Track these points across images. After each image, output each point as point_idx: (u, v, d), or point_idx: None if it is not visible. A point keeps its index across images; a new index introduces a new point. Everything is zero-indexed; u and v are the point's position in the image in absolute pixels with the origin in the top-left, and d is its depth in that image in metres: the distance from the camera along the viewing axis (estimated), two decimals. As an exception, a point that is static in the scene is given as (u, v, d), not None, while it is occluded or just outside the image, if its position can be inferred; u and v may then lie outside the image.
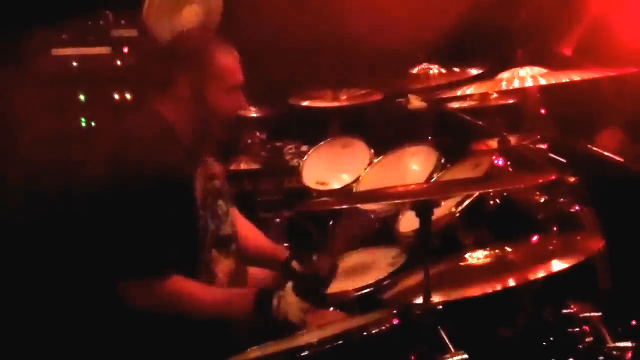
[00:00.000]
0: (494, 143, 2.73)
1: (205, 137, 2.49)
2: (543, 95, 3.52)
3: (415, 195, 1.89)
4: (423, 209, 1.76)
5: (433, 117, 3.41)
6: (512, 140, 2.72)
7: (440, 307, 1.87)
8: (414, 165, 3.30)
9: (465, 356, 1.76)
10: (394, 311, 1.92)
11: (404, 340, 1.89)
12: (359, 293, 2.72)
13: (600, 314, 2.59)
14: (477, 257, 2.34)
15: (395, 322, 1.90)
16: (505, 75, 2.45)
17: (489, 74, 2.51)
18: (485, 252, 2.34)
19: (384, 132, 3.67)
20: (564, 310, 2.58)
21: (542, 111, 2.87)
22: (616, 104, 3.53)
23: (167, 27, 3.41)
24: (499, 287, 2.12)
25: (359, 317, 2.41)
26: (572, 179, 2.90)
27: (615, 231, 2.81)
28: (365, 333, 1.97)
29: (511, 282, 2.13)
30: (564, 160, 3.06)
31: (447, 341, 1.81)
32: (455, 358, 1.74)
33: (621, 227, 2.88)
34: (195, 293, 2.33)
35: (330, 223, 3.45)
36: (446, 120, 3.43)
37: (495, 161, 2.70)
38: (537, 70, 2.40)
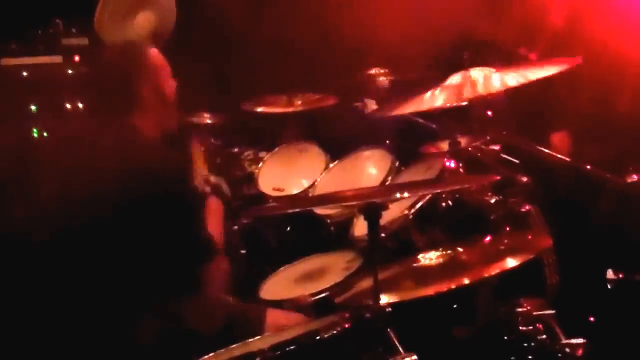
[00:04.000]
0: (445, 145, 2.75)
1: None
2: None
3: (361, 199, 1.89)
4: (371, 212, 1.76)
5: (388, 120, 3.42)
6: (463, 142, 2.73)
7: (390, 309, 1.86)
8: (370, 168, 3.31)
9: (415, 357, 1.76)
10: (346, 315, 1.91)
11: (356, 344, 1.88)
12: (315, 298, 2.72)
13: (553, 311, 2.63)
14: (429, 258, 2.36)
15: (346, 325, 1.88)
16: (455, 78, 2.46)
17: (440, 78, 2.52)
18: (437, 253, 2.35)
19: (339, 137, 3.66)
20: (518, 309, 2.61)
21: (489, 113, 2.89)
22: (569, 106, 3.59)
23: (120, 34, 3.39)
24: (451, 286, 2.15)
25: (316, 321, 2.40)
26: (524, 179, 2.94)
27: (565, 229, 2.86)
28: (317, 337, 1.95)
29: (463, 281, 2.16)
30: (517, 161, 3.10)
31: (397, 343, 1.80)
32: (407, 360, 1.73)
33: (570, 225, 2.93)
34: None
35: (288, 229, 3.48)
36: (401, 124, 3.43)
37: (447, 163, 2.72)
38: (487, 71, 2.42)
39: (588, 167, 2.78)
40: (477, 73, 2.45)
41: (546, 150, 2.96)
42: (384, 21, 3.62)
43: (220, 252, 2.62)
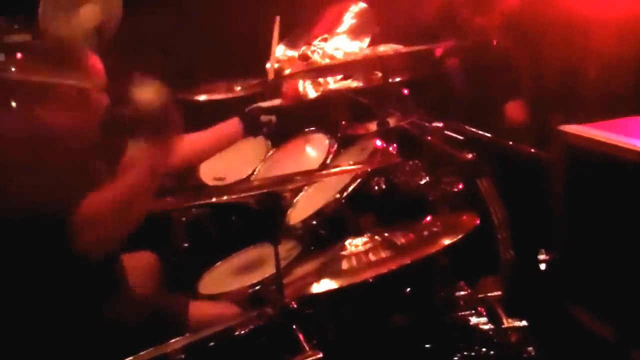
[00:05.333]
0: (373, 126, 2.65)
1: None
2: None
3: (256, 189, 1.79)
4: (269, 202, 1.66)
5: (328, 103, 3.31)
6: (392, 121, 2.64)
7: (295, 305, 1.76)
8: (310, 152, 3.21)
9: (320, 356, 1.66)
10: (255, 313, 1.81)
11: (267, 342, 1.79)
12: (252, 290, 2.63)
13: (498, 293, 2.55)
14: (356, 244, 2.26)
15: (258, 323, 1.79)
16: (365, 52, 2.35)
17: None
18: (365, 239, 2.25)
19: (281, 122, 3.55)
20: (459, 293, 2.53)
21: (405, 91, 2.80)
22: (526, 78, 3.52)
23: (64, 27, 3.30)
24: (382, 271, 2.06)
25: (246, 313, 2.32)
26: (469, 156, 2.86)
27: (515, 203, 2.78)
28: (232, 334, 1.86)
29: (390, 267, 2.06)
30: (461, 138, 3.01)
31: (303, 341, 1.70)
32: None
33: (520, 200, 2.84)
34: None
35: (233, 219, 3.38)
36: (340, 105, 3.33)
37: (377, 143, 2.62)
38: (395, 47, 2.31)
39: (510, 143, 2.70)
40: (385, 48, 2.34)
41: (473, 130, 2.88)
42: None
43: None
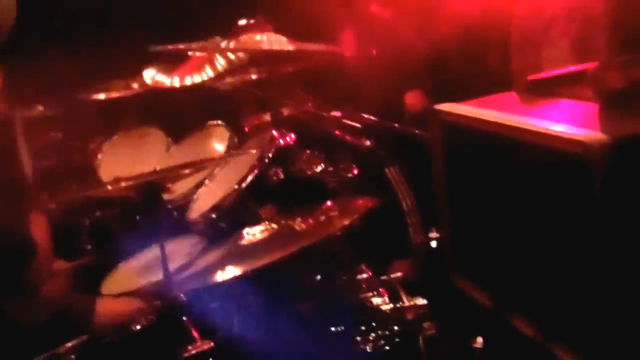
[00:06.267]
0: (267, 116, 2.66)
1: None
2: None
3: (138, 179, 1.77)
4: (149, 192, 1.65)
5: (225, 97, 3.30)
6: (285, 111, 2.65)
7: (184, 297, 1.76)
8: (210, 147, 3.19)
9: (211, 345, 1.66)
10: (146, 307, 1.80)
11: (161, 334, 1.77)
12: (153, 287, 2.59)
13: (399, 274, 2.59)
14: (254, 233, 2.26)
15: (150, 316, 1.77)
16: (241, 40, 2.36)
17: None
18: (262, 227, 2.26)
19: (181, 117, 3.52)
20: (361, 276, 2.56)
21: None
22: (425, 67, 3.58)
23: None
24: (280, 256, 2.08)
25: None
26: (367, 143, 2.90)
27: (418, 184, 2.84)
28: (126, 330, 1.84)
29: (286, 252, 2.08)
30: (359, 126, 3.05)
31: (193, 331, 1.70)
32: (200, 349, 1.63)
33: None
34: None
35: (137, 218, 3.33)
36: (239, 98, 3.33)
37: (273, 133, 2.63)
38: (274, 37, 2.33)
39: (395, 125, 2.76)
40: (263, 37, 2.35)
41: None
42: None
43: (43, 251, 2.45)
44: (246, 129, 3.19)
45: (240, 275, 2.02)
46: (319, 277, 2.50)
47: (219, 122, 3.26)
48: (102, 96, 3.62)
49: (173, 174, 1.96)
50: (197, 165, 2.24)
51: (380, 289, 2.51)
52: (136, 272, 2.87)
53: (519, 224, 1.83)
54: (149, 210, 1.71)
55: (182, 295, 1.76)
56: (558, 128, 1.67)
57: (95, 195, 2.73)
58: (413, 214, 2.77)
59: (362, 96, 3.55)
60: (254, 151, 2.28)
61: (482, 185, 1.93)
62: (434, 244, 2.33)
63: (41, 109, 3.56)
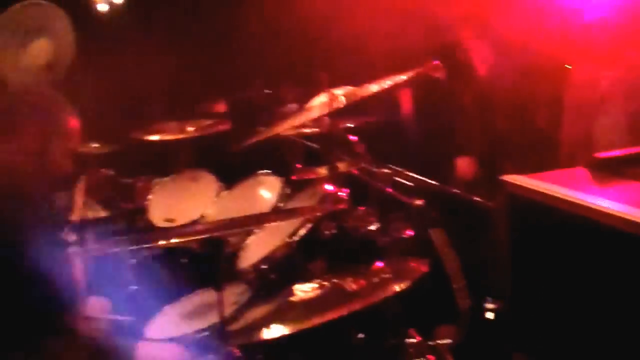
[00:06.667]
0: (323, 170, 2.66)
1: None
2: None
3: (199, 234, 1.77)
4: (211, 247, 1.65)
5: (281, 146, 3.32)
6: (342, 167, 2.65)
7: (239, 352, 1.74)
8: (261, 196, 3.20)
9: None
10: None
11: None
12: (199, 336, 2.59)
13: (448, 341, 2.55)
14: (305, 290, 2.25)
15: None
16: (320, 99, 2.38)
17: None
18: (314, 285, 2.24)
19: (234, 163, 3.53)
20: (407, 340, 2.53)
21: (354, 138, 2.83)
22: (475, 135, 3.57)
23: (12, 63, 3.24)
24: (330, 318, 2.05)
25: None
26: (418, 202, 2.88)
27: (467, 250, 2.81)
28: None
29: (338, 313, 2.06)
30: (411, 184, 3.03)
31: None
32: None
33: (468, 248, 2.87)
34: None
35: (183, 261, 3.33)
36: (292, 149, 3.34)
37: (327, 188, 2.63)
38: (348, 89, 2.34)
39: (457, 191, 2.74)
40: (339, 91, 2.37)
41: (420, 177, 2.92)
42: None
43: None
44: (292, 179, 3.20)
45: (292, 334, 2.00)
46: (366, 337, 2.48)
47: (269, 171, 3.28)
48: (151, 137, 3.68)
49: (234, 226, 1.95)
50: (261, 223, 2.23)
51: (429, 356, 2.48)
52: (181, 317, 2.87)
53: (592, 306, 1.80)
54: (210, 264, 1.69)
55: (236, 350, 1.74)
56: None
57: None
58: (459, 278, 2.73)
59: (413, 154, 3.56)
60: (317, 212, 2.26)
61: (552, 262, 1.89)
62: (489, 315, 2.29)
63: (95, 146, 3.62)
